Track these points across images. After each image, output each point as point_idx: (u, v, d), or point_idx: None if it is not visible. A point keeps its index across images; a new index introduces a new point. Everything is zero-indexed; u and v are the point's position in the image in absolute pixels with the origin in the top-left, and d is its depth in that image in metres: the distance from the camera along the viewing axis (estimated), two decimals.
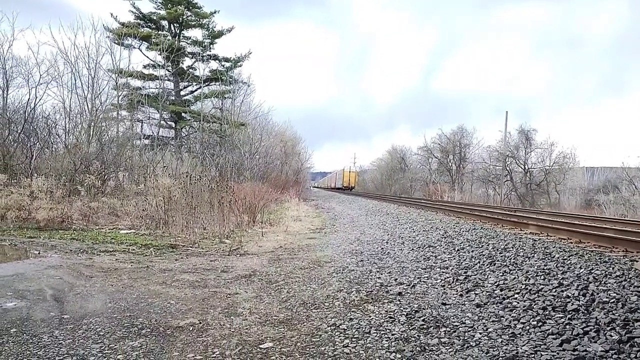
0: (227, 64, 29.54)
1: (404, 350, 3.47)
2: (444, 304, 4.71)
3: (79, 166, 14.46)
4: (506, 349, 3.41)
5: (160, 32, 28.05)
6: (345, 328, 3.99)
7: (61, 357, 3.27)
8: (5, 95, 17.88)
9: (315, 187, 75.81)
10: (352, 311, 4.53)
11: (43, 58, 21.81)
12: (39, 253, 7.50)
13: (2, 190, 11.60)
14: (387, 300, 4.90)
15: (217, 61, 29.72)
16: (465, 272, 5.94)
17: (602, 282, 4.56)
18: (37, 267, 6.35)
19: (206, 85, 29.19)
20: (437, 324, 4.04)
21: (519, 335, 3.70)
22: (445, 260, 6.85)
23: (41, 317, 4.17)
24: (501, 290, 4.99)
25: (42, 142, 17.11)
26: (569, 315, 3.92)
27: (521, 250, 6.68)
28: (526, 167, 34.77)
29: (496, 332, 3.79)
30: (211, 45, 29.30)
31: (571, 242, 7.40)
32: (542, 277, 5.07)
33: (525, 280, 5.09)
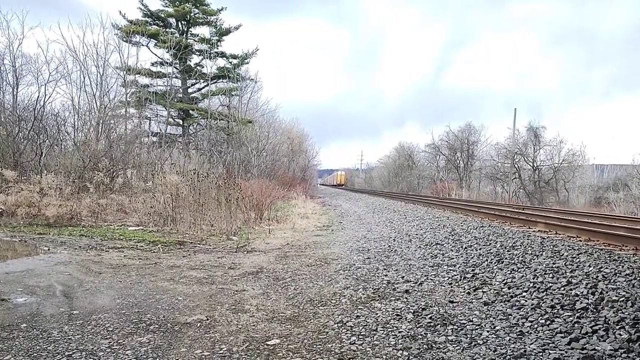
0: (235, 61, 29.58)
1: (411, 347, 3.46)
2: (452, 302, 4.70)
3: (87, 163, 14.57)
4: (514, 347, 3.39)
5: (168, 29, 28.12)
6: (352, 325, 3.99)
7: (71, 353, 3.30)
8: (15, 93, 18.04)
9: (321, 184, 76.37)
10: (359, 308, 4.52)
11: (52, 56, 22.11)
12: (48, 249, 7.58)
13: (12, 187, 11.72)
14: (394, 298, 4.89)
15: (225, 58, 29.76)
16: (472, 270, 5.92)
17: (612, 281, 4.52)
18: (46, 263, 6.42)
19: (213, 83, 29.25)
20: (444, 322, 4.02)
21: (527, 334, 3.68)
22: (453, 258, 6.83)
23: (51, 313, 4.22)
24: (509, 288, 4.96)
25: (52, 140, 17.24)
26: (577, 314, 3.89)
27: (529, 248, 6.64)
28: (535, 164, 34.42)
29: (504, 331, 3.77)
30: (218, 43, 29.33)
31: (580, 240, 7.34)
32: (551, 275, 5.04)
33: (533, 279, 5.06)
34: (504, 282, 5.20)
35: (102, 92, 19.45)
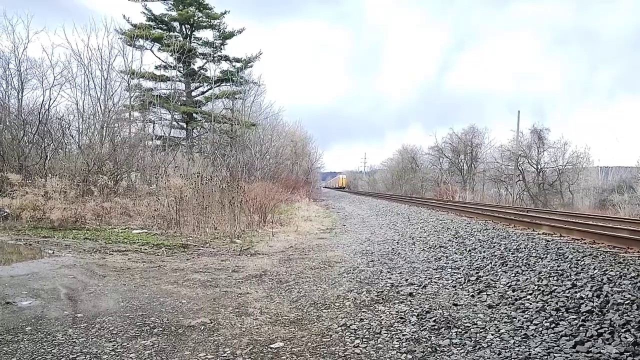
0: (238, 65, 29.63)
1: (415, 351, 3.45)
2: (456, 305, 4.68)
3: (92, 167, 14.63)
4: (518, 351, 3.37)
5: (171, 33, 28.24)
6: (356, 328, 3.99)
7: (75, 356, 3.31)
8: (20, 97, 18.21)
9: (324, 187, 76.80)
10: (363, 311, 4.52)
11: (57, 60, 22.23)
12: (53, 252, 7.61)
13: (17, 190, 11.79)
14: (398, 301, 4.88)
15: (228, 62, 29.81)
16: (477, 273, 5.90)
17: (617, 284, 4.50)
18: (51, 266, 6.44)
19: (217, 86, 29.30)
20: (448, 325, 4.01)
21: (531, 337, 3.67)
22: (457, 261, 6.81)
23: (55, 316, 4.24)
24: (513, 291, 4.94)
25: (56, 143, 17.34)
26: (582, 317, 3.87)
27: (534, 250, 6.61)
28: (539, 166, 34.29)
29: (508, 334, 3.76)
30: (222, 46, 29.40)
31: (585, 243, 7.30)
32: (555, 278, 5.02)
33: (538, 281, 5.04)
34: (508, 284, 5.19)
35: (106, 95, 19.58)
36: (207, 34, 29.49)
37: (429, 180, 46.25)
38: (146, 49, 26.21)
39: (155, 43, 26.98)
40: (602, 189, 32.19)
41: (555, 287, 4.71)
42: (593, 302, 4.12)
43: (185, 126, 29.01)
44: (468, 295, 5.09)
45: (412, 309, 4.55)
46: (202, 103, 29.84)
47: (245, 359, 3.33)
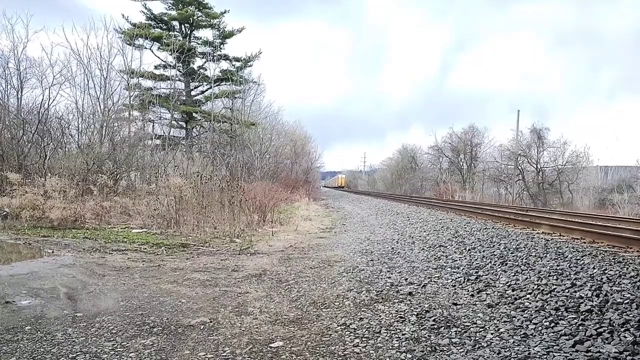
0: (238, 64, 29.64)
1: (415, 350, 3.45)
2: (455, 304, 4.68)
3: (91, 166, 14.63)
4: (518, 350, 3.38)
5: (171, 32, 28.24)
6: (356, 328, 3.99)
7: (74, 355, 3.31)
8: (19, 96, 18.15)
9: (324, 186, 77.15)
10: (363, 311, 4.52)
11: (56, 59, 22.17)
12: (52, 252, 7.61)
13: (16, 189, 11.78)
14: (397, 300, 4.88)
15: (228, 61, 29.83)
16: (476, 272, 5.90)
17: (616, 283, 4.50)
18: (50, 265, 6.44)
19: (217, 85, 29.32)
20: (448, 324, 4.01)
21: (531, 336, 3.67)
22: (456, 260, 6.81)
23: (55, 315, 4.24)
24: (513, 290, 4.94)
25: (56, 143, 17.33)
26: (582, 316, 3.87)
27: (533, 250, 6.61)
28: (538, 166, 34.32)
29: (508, 333, 3.76)
30: (222, 45, 29.42)
31: (584, 242, 7.31)
32: (555, 278, 5.02)
33: (537, 281, 5.04)
34: (507, 284, 5.19)
35: (105, 95, 19.52)
36: (206, 33, 29.53)
37: (428, 179, 46.26)
38: (145, 48, 26.19)
39: (155, 42, 26.96)
40: (601, 188, 32.21)
41: (554, 287, 4.71)
42: (592, 301, 4.12)
43: (184, 125, 29.01)
44: (467, 294, 5.09)
45: (412, 308, 4.55)
46: (201, 102, 29.84)
47: (245, 358, 3.33)
